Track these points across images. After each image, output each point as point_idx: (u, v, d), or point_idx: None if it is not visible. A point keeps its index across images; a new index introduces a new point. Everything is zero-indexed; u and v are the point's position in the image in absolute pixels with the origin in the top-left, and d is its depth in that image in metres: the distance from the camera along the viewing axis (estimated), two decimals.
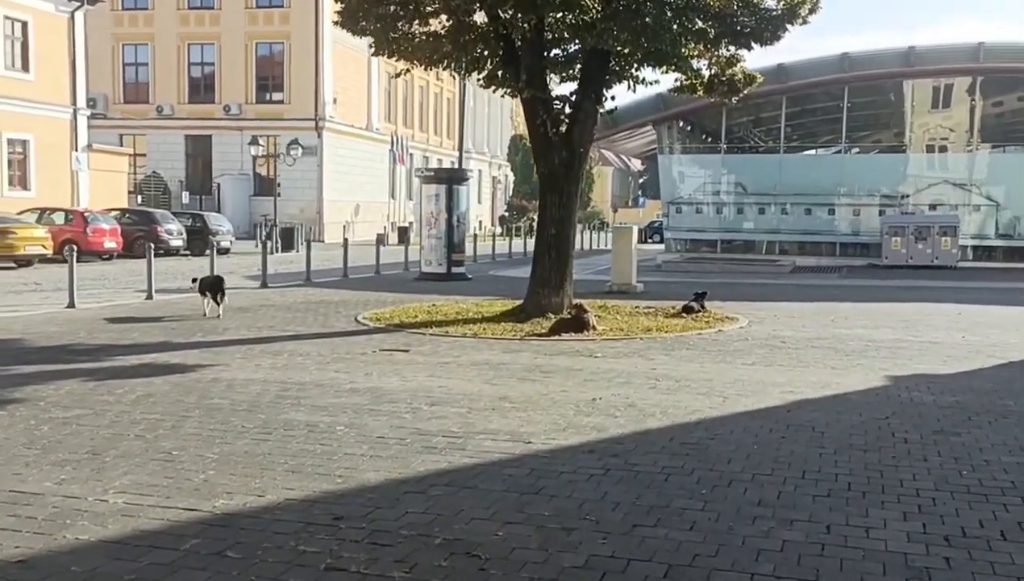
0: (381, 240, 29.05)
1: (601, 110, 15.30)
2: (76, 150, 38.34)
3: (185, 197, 46.77)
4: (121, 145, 51.27)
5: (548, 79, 15.39)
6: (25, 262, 25.71)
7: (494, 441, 6.84)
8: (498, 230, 58.82)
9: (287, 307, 16.29)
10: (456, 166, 40.22)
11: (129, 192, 48.41)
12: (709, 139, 36.04)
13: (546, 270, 15.02)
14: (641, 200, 71.80)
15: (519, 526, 5.01)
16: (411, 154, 58.72)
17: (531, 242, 44.20)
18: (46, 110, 36.55)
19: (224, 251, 34.65)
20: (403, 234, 36.56)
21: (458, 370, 9.90)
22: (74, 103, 38.41)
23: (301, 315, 15.11)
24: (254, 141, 37.57)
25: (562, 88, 17.14)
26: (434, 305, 16.37)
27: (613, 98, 15.36)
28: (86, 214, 28.91)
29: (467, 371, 9.84)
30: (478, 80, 15.83)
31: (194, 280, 15.61)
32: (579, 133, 14.96)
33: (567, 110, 15.08)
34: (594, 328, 13.25)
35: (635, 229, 20.99)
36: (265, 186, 50.32)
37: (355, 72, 52.75)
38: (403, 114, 61.26)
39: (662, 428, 7.37)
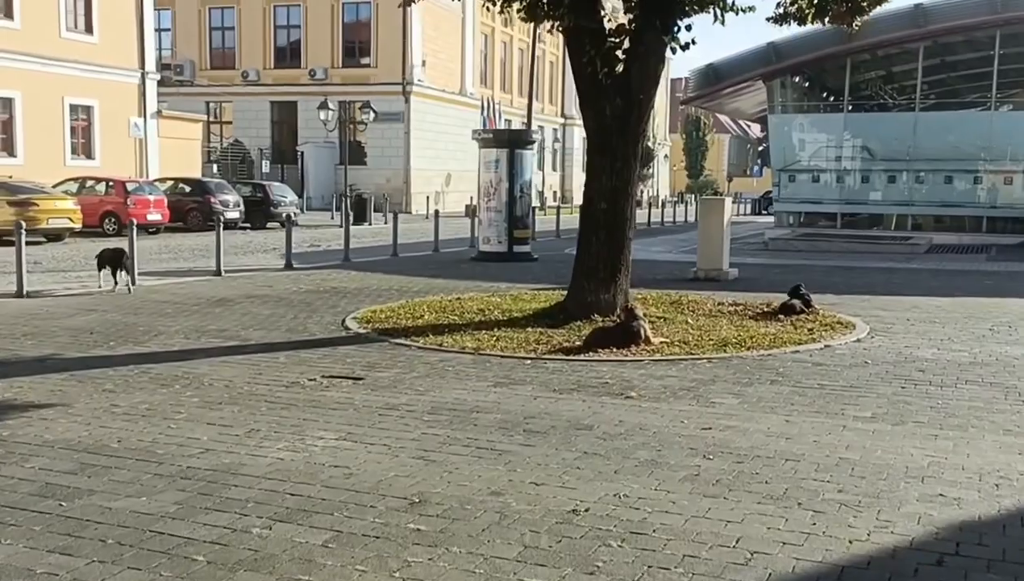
0: (474, 212, 25.70)
1: (671, 45, 11.45)
2: (145, 116, 36.32)
3: (265, 166, 44.51)
4: (208, 112, 49.65)
5: (600, 4, 11.62)
6: (55, 236, 23.42)
7: None
8: None
9: (277, 300, 13.10)
10: (524, 128, 36.61)
11: (211, 161, 46.71)
12: (831, 97, 31.32)
13: (593, 258, 11.37)
14: (757, 169, 66.56)
15: None
16: (508, 121, 55.19)
17: (639, 214, 40.62)
18: (111, 74, 34.52)
19: (284, 224, 32.04)
20: (470, 208, 33.15)
21: (397, 424, 6.44)
22: (142, 67, 36.35)
23: (282, 312, 11.89)
24: (323, 105, 34.67)
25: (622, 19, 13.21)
26: (458, 298, 12.94)
27: (689, 29, 11.47)
28: (127, 184, 26.48)
29: (409, 427, 6.39)
30: (518, 12, 12.21)
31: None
32: (638, 75, 11.21)
33: (625, 46, 11.33)
34: (647, 340, 9.59)
35: (728, 201, 17.04)
36: (351, 154, 47.81)
37: (448, 33, 49.56)
38: (500, 78, 57.82)
39: None
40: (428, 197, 42.43)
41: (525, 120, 59.24)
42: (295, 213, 32.45)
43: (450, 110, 49.26)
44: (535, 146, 23.78)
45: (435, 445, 5.91)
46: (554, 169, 63.68)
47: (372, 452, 5.74)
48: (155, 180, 30.92)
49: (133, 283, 14.37)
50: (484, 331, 10.32)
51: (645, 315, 11.16)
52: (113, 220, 25.98)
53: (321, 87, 45.66)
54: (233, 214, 29.42)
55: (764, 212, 46.46)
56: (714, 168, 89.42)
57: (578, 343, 9.70)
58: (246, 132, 48.14)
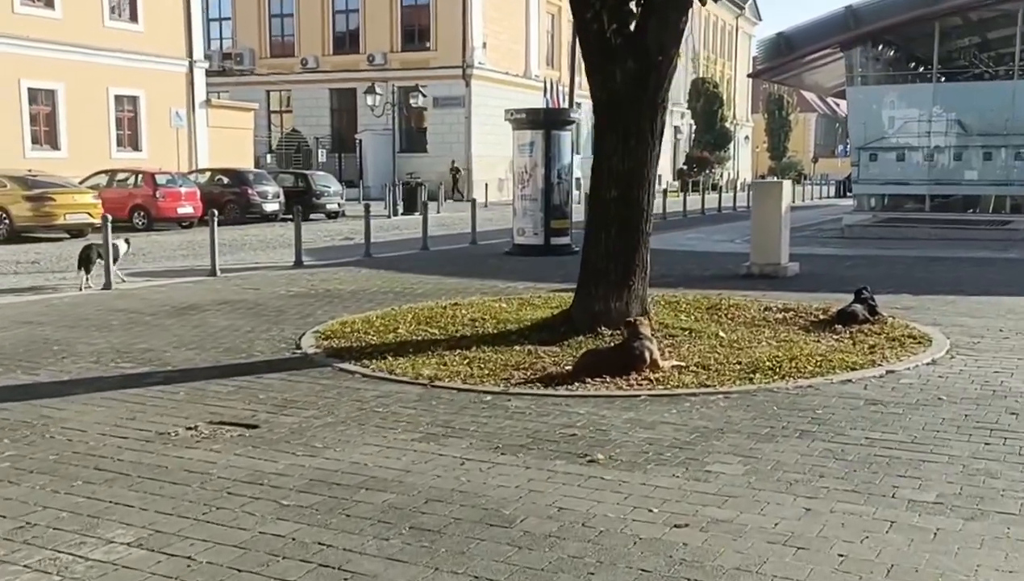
0: None
1: None
2: (193, 105, 35.25)
3: (322, 155, 43.23)
4: (267, 102, 48.66)
5: None
6: (77, 232, 22.23)
7: None
8: (675, 184, 52.23)
9: (249, 307, 11.37)
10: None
11: (270, 151, 45.67)
12: (919, 66, 28.34)
13: (602, 258, 9.30)
14: (842, 149, 62.80)
15: None
16: (579, 104, 52.86)
17: (708, 199, 38.11)
18: (158, 63, 33.49)
19: (333, 215, 30.60)
20: None
21: (238, 512, 4.59)
22: (190, 55, 35.26)
23: (240, 324, 10.13)
24: (370, 90, 33.01)
25: None
26: (455, 304, 10.99)
27: None
28: (158, 176, 25.20)
29: (253, 517, 4.57)
30: None
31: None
32: (656, 32, 9.08)
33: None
34: (653, 365, 7.51)
35: (786, 185, 14.66)
36: (412, 142, 46.28)
37: (510, 14, 47.58)
38: (568, 59, 55.46)
39: None
40: (486, 184, 40.53)
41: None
42: (340, 204, 30.98)
43: (513, 93, 47.14)
44: (575, 127, 21.68)
45: (260, 559, 3.99)
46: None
47: (158, 572, 3.85)
48: (193, 171, 29.72)
49: (108, 286, 12.88)
50: (459, 351, 8.37)
51: (664, 328, 9.12)
52: (142, 214, 24.77)
53: (380, 72, 44.15)
54: (272, 206, 28.01)
55: (847, 194, 43.28)
56: (799, 149, 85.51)
57: (568, 368, 7.68)
58: (305, 121, 47.02)
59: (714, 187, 45.69)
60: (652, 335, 8.59)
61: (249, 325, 10.08)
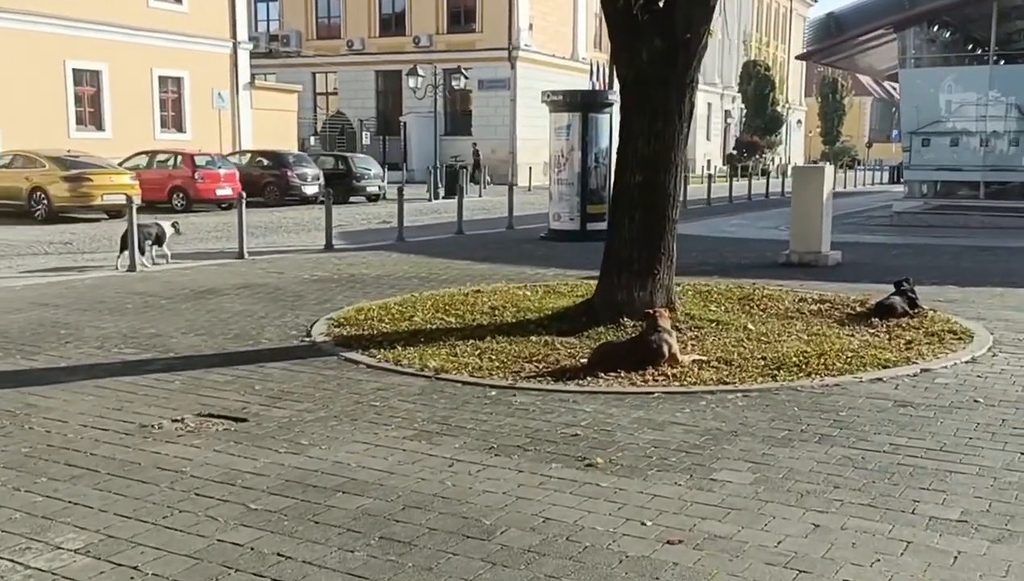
0: None
1: None
2: (237, 87, 35.27)
3: (366, 137, 43.02)
4: (314, 84, 48.67)
5: None
6: (115, 213, 22.23)
7: None
8: (724, 169, 51.31)
9: (268, 292, 11.14)
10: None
11: (315, 133, 45.66)
12: (975, 48, 27.30)
13: (626, 246, 8.91)
14: (896, 133, 61.22)
15: None
16: None
17: (756, 184, 37.30)
18: (202, 44, 33.52)
19: (373, 198, 30.43)
20: None
21: (201, 516, 4.32)
22: (234, 36, 35.24)
23: (255, 310, 9.91)
24: (412, 71, 32.71)
25: None
26: (477, 291, 10.67)
27: None
28: (197, 157, 25.17)
29: (215, 521, 4.32)
30: None
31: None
32: (685, 7, 8.64)
33: None
34: (672, 359, 7.12)
35: (828, 170, 14.05)
36: (457, 125, 45.99)
37: None
38: None
39: None
40: (530, 168, 40.11)
41: None
42: (381, 187, 30.78)
43: (560, 76, 46.54)
44: (613, 109, 21.14)
45: (210, 572, 3.69)
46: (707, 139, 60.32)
47: None
48: (234, 153, 29.71)
49: (132, 269, 12.80)
50: (473, 341, 8.04)
51: (691, 320, 8.72)
52: (181, 195, 24.76)
53: (425, 55, 43.82)
54: (311, 188, 27.86)
55: (901, 180, 42.13)
56: (853, 133, 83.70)
57: (583, 361, 7.32)
58: (351, 103, 46.94)
59: (763, 172, 44.72)
60: (674, 327, 8.24)
61: (264, 310, 9.84)
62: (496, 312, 9.41)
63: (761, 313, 9.46)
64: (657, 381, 6.78)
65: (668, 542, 3.96)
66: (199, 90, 33.47)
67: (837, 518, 4.22)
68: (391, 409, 6.03)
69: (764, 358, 7.38)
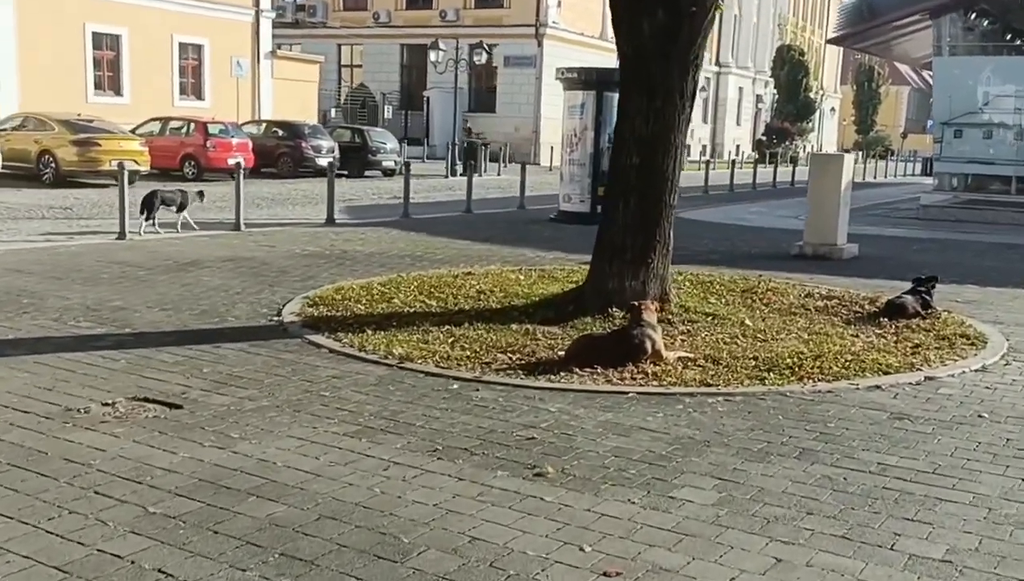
0: None
1: None
2: (259, 56, 34.86)
3: (388, 111, 42.54)
4: (339, 55, 48.20)
5: None
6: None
7: None
8: (749, 156, 50.38)
9: (252, 266, 10.72)
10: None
11: (337, 105, 45.22)
12: (1016, 39, 26.30)
13: (619, 231, 8.39)
14: (930, 123, 59.98)
15: None
16: None
17: (783, 171, 36.49)
18: (224, 12, 33.12)
19: (389, 173, 29.94)
20: None
21: (86, 520, 3.89)
22: (256, 5, 34.78)
23: (232, 285, 9.49)
24: (434, 45, 32.15)
25: None
26: (468, 273, 10.22)
27: None
28: (209, 125, 24.79)
29: (96, 528, 3.83)
30: None
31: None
32: None
33: None
34: (655, 356, 6.61)
35: (847, 159, 13.40)
36: (481, 101, 45.41)
37: None
38: None
39: None
40: (552, 148, 39.46)
41: None
42: (396, 161, 30.30)
43: (588, 55, 45.74)
44: None
45: None
46: (704, 121, 59.26)
47: None
48: (248, 122, 29.31)
49: (122, 237, 12.50)
50: (449, 327, 7.57)
51: (685, 312, 8.22)
52: (192, 163, 24.42)
53: (452, 29, 43.20)
54: (326, 160, 27.21)
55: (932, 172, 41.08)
56: (888, 123, 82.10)
57: (561, 353, 6.83)
58: (375, 76, 46.43)
59: (793, 160, 43.82)
60: (667, 320, 7.78)
61: (241, 286, 9.42)
62: (482, 297, 8.93)
63: (763, 308, 8.94)
64: (635, 379, 6.29)
65: (604, 574, 3.48)
66: (219, 58, 33.08)
67: (804, 552, 3.72)
68: (340, 400, 5.58)
69: (756, 358, 6.85)
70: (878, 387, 6.25)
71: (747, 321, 8.18)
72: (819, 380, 6.37)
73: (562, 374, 6.35)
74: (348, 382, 5.99)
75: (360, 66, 48.23)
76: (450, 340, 7.17)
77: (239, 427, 5.03)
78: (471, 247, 13.06)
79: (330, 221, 15.63)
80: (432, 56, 32.18)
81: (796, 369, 6.56)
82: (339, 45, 48.16)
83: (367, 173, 29.04)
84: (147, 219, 13.36)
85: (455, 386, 5.98)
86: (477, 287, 9.34)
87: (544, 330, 7.59)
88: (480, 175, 31.73)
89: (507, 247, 13.22)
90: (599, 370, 6.43)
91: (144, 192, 14.11)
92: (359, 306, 8.36)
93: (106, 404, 5.36)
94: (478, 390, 5.90)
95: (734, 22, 60.62)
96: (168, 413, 5.25)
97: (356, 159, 28.79)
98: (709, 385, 6.15)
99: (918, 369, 6.77)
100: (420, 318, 7.89)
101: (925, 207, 21.44)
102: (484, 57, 32.54)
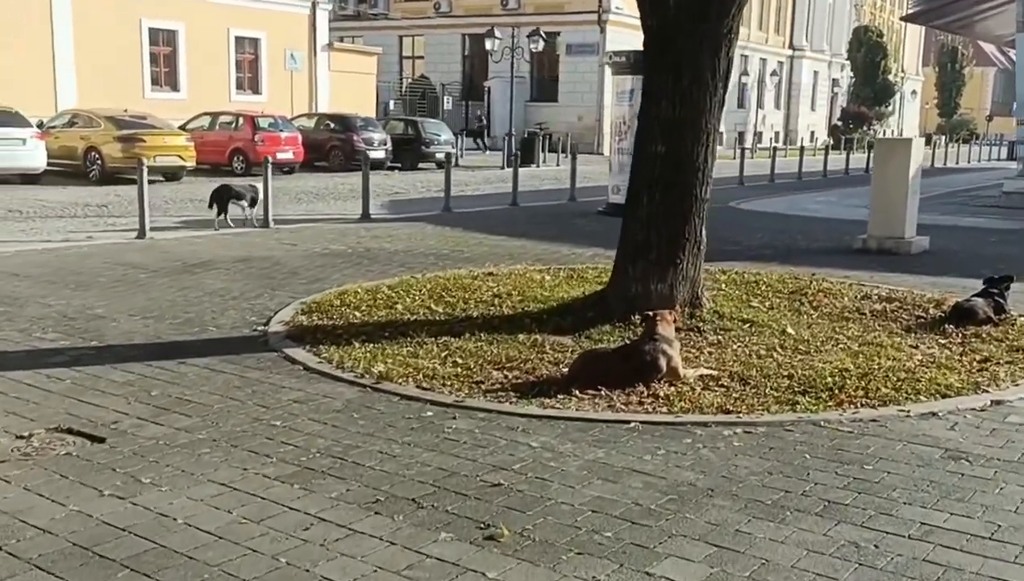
0: None
1: None
2: (315, 49, 34.51)
3: (447, 102, 41.91)
4: (400, 47, 47.77)
5: None
6: (171, 175, 21.63)
7: None
8: (825, 142, 48.50)
9: (264, 267, 10.07)
10: None
11: (398, 97, 44.76)
12: None
13: (643, 228, 7.48)
14: (1015, 106, 57.12)
15: None
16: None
17: (857, 158, 34.86)
18: (280, 5, 32.91)
19: (442, 165, 29.20)
20: None
21: None
22: None
23: (233, 288, 8.84)
24: (489, 33, 31.36)
25: None
26: (489, 274, 9.41)
27: None
28: (259, 120, 24.38)
29: None
30: None
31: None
32: None
33: None
34: (671, 374, 5.72)
35: (916, 144, 12.19)
36: (543, 91, 44.55)
37: None
38: None
39: None
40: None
41: (743, 53, 53.23)
42: (451, 153, 29.59)
43: None
44: None
45: None
46: (777, 107, 57.42)
47: None
48: (300, 116, 28.91)
49: (142, 235, 11.99)
50: (447, 338, 6.77)
51: (719, 319, 7.30)
52: (241, 158, 24.05)
53: (513, 17, 42.47)
54: (378, 153, 26.78)
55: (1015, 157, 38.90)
56: (973, 106, 78.91)
57: (566, 370, 5.98)
58: (436, 67, 45.88)
59: (870, 146, 42.00)
60: (695, 329, 6.89)
61: (241, 289, 8.76)
62: (496, 301, 8.10)
63: (811, 312, 7.96)
64: (642, 404, 5.40)
65: None
66: (276, 52, 32.84)
67: None
68: (290, 433, 4.82)
69: (791, 375, 5.90)
70: (933, 414, 5.26)
71: (789, 329, 7.21)
72: (862, 405, 5.40)
73: (560, 396, 5.49)
74: (309, 408, 5.23)
75: (422, 57, 47.73)
76: (443, 354, 6.36)
77: (156, 468, 4.29)
78: (505, 243, 12.25)
79: (365, 216, 14.96)
80: (488, 44, 31.41)
81: (836, 391, 5.59)
82: (400, 36, 47.78)
83: (421, 165, 28.42)
84: (218, 214, 13.24)
85: (429, 413, 5.17)
86: (493, 290, 8.52)
87: (554, 341, 6.74)
88: (538, 166, 30.93)
89: (543, 243, 12.38)
90: (603, 392, 5.56)
91: (214, 186, 13.88)
92: (357, 313, 7.61)
93: (20, 436, 4.69)
94: (454, 418, 5.08)
95: (808, 3, 58.61)
96: (85, 449, 4.55)
97: (409, 151, 28.22)
98: (729, 411, 5.23)
99: (984, 390, 5.74)
100: (419, 327, 7.10)
101: (1008, 194, 19.93)
102: (541, 45, 31.64)
